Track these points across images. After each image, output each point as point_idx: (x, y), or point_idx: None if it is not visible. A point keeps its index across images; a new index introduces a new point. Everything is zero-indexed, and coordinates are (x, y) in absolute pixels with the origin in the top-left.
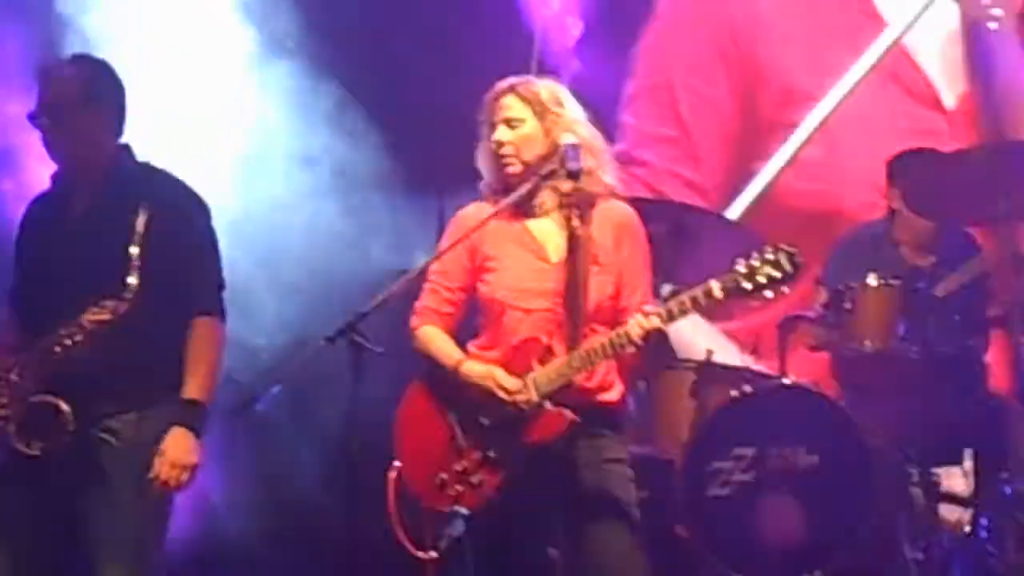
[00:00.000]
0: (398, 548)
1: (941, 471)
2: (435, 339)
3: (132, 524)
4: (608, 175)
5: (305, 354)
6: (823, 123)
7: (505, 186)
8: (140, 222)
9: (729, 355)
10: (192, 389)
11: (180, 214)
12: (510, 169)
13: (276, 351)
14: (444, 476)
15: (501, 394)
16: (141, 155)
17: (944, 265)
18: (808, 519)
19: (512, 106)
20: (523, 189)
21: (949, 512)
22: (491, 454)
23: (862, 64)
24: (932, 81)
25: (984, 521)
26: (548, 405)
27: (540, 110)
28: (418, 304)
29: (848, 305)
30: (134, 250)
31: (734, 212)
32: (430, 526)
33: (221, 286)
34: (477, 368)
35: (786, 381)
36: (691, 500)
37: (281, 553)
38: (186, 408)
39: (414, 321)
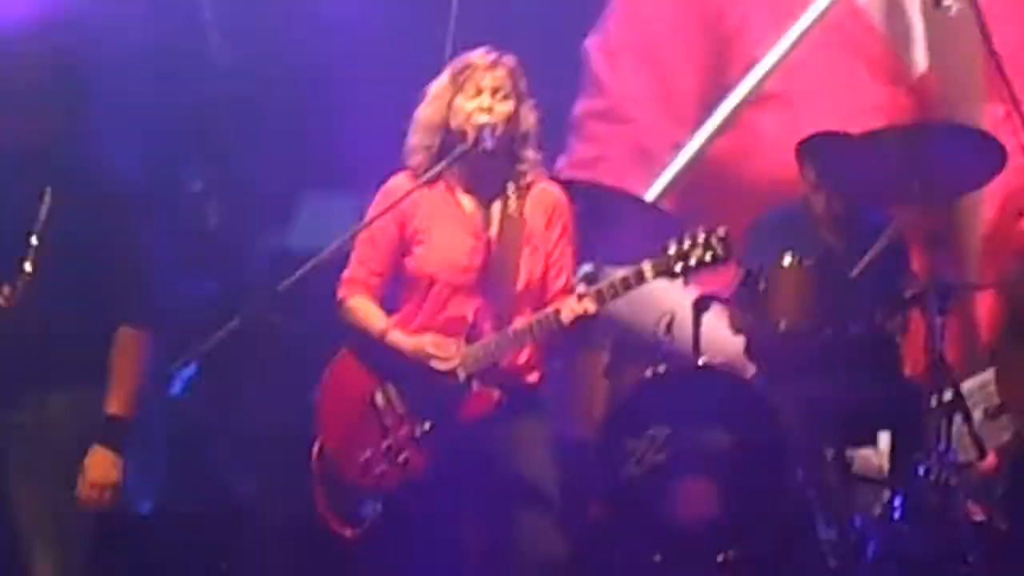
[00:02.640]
0: (321, 525)
1: (855, 451)
2: (364, 308)
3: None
4: (538, 157)
5: (222, 333)
6: (756, 87)
7: (442, 154)
8: (43, 210)
9: None
10: (115, 404)
11: (95, 206)
12: (487, 143)
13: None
14: (369, 453)
15: (436, 353)
16: None
17: (859, 245)
18: (722, 499)
19: (501, 79)
20: (442, 165)
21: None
22: (417, 433)
23: (804, 20)
24: (900, 56)
25: (898, 501)
26: (474, 384)
27: (520, 91)
28: (345, 275)
29: (763, 285)
30: (34, 239)
31: (664, 180)
32: (350, 502)
33: (144, 290)
34: (409, 338)
35: (700, 361)
36: (605, 480)
37: (199, 534)
38: (108, 424)
39: (342, 292)
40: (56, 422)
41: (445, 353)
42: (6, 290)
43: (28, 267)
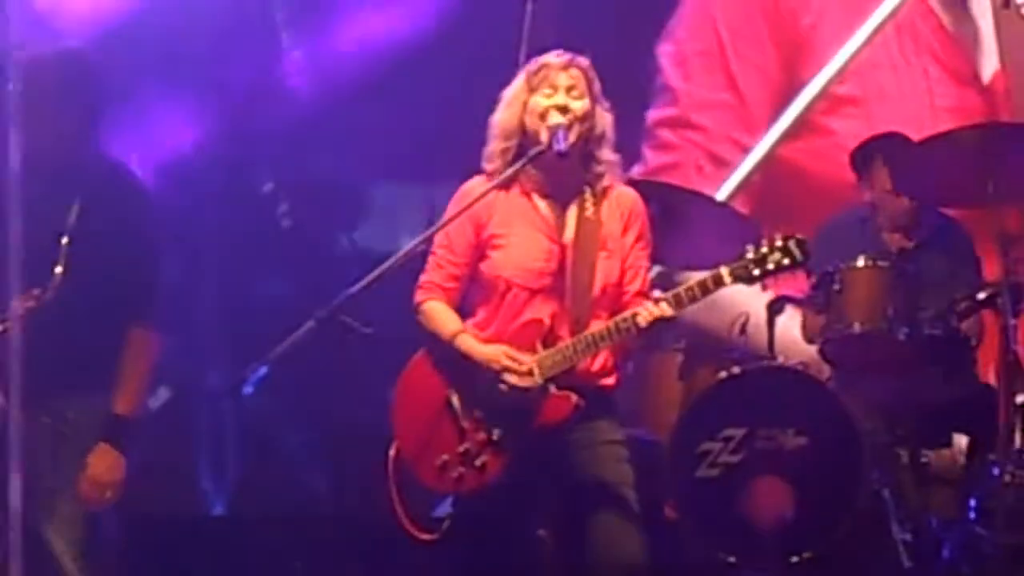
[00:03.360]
0: (395, 529)
1: (931, 453)
2: (439, 312)
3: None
4: (615, 159)
5: (295, 336)
6: (823, 91)
7: (516, 152)
8: (73, 212)
9: None
10: (120, 403)
11: (116, 210)
12: (560, 145)
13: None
14: (446, 457)
15: (512, 366)
16: None
17: (928, 247)
18: (796, 500)
19: (576, 78)
20: (516, 166)
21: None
22: (495, 436)
23: (875, 20)
24: (969, 58)
25: (973, 503)
26: (552, 388)
27: (595, 93)
28: (423, 278)
29: (837, 287)
30: (64, 240)
31: (734, 181)
32: (429, 507)
33: (156, 290)
34: (486, 348)
35: (775, 362)
36: (679, 481)
37: (272, 535)
38: (112, 423)
39: (419, 296)
40: (78, 427)
41: (520, 367)
42: (36, 291)
43: (59, 269)
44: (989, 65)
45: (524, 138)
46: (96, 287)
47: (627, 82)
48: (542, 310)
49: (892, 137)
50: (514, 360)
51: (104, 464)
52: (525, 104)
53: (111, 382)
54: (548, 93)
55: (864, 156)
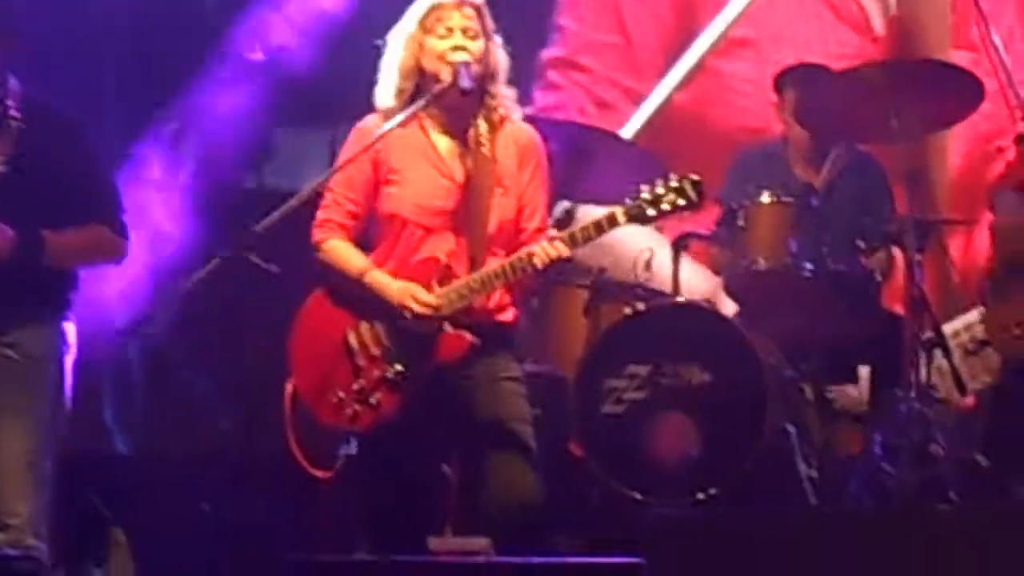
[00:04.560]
0: (294, 465)
1: (835, 388)
2: (342, 250)
3: (29, 435)
4: (509, 97)
5: (200, 273)
6: (723, 35)
7: (416, 96)
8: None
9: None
10: (51, 235)
11: (61, 133)
12: (465, 82)
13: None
14: (341, 394)
15: (419, 308)
16: None
17: (837, 181)
18: (702, 437)
19: (470, 17)
20: (418, 104)
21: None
22: (390, 374)
23: None
24: (864, 5)
25: (878, 438)
26: (448, 327)
27: (487, 30)
28: (320, 216)
29: (741, 223)
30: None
31: (635, 125)
32: (325, 443)
33: (119, 204)
34: (393, 283)
35: (679, 299)
36: (585, 418)
37: (178, 475)
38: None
39: (317, 234)
40: (32, 358)
41: (424, 301)
42: None
43: None
44: (888, 9)
45: (421, 78)
46: (44, 211)
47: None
48: (438, 247)
49: (810, 68)
50: (416, 299)
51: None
52: (421, 45)
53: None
54: (443, 34)
55: (777, 82)
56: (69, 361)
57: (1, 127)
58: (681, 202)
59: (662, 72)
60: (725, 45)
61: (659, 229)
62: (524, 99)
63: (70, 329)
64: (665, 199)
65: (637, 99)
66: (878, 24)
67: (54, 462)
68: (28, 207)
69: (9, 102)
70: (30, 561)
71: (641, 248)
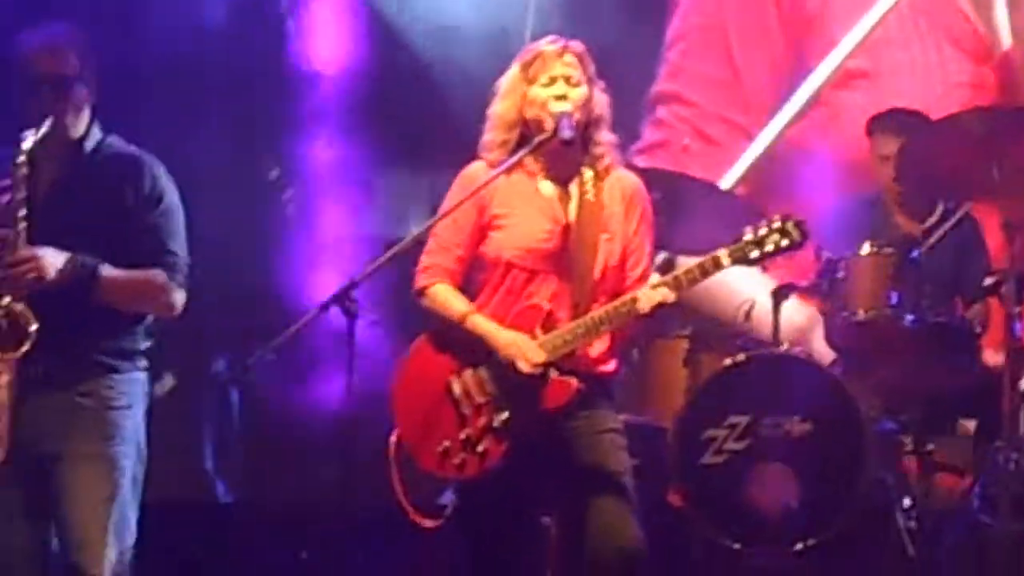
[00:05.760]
0: (399, 516)
1: (935, 440)
2: (445, 295)
3: (107, 482)
4: (612, 143)
5: (299, 322)
6: (838, 68)
7: (522, 144)
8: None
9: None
10: (107, 269)
11: (130, 170)
12: (567, 132)
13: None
14: (447, 443)
15: (523, 366)
16: None
17: (935, 231)
18: (801, 487)
19: (572, 65)
20: (521, 153)
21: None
22: (496, 423)
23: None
24: (983, 34)
25: (978, 490)
26: (554, 373)
27: (591, 76)
28: (424, 261)
29: (841, 274)
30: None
31: (745, 163)
32: (431, 493)
33: (181, 253)
34: (500, 331)
35: (779, 349)
36: (684, 468)
37: (276, 522)
38: (88, 262)
39: (422, 280)
40: (107, 406)
41: (534, 357)
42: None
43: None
44: (1003, 42)
45: (524, 128)
46: (101, 246)
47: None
48: (542, 292)
49: (911, 114)
50: (529, 348)
51: (54, 256)
52: (524, 95)
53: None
54: (546, 83)
55: (879, 125)
56: (142, 410)
57: (69, 158)
58: (785, 242)
59: (770, 108)
60: (840, 76)
61: (763, 270)
62: (633, 136)
63: (143, 378)
64: (769, 239)
65: (743, 135)
66: (999, 51)
67: (140, 510)
68: (82, 240)
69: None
70: None
71: (743, 299)
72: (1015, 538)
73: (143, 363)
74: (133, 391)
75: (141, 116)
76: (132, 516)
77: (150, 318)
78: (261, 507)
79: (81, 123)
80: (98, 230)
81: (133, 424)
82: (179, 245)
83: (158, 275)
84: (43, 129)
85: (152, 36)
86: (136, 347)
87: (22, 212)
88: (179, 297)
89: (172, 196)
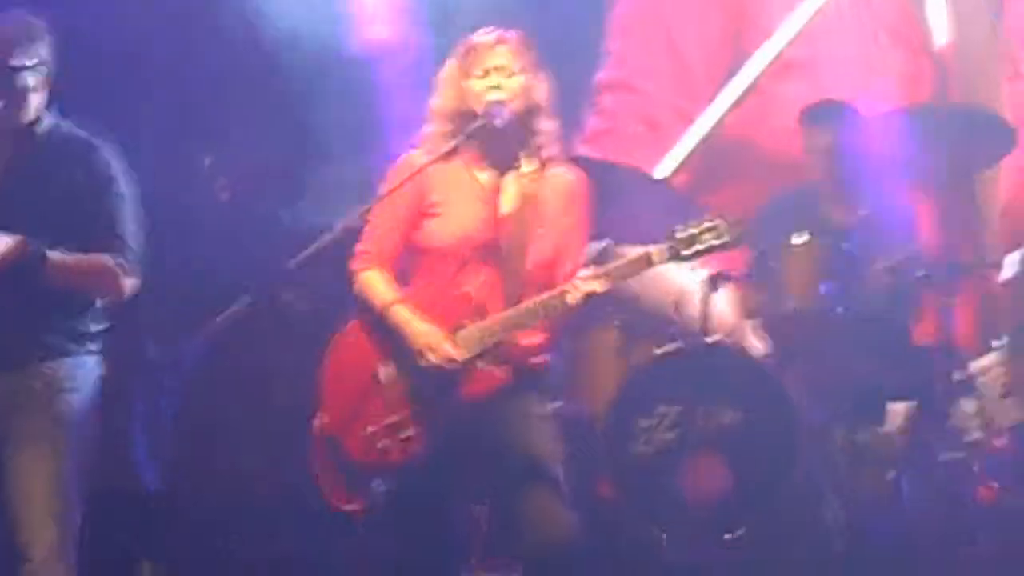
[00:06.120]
0: (324, 501)
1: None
2: (373, 281)
3: (52, 465)
4: (553, 132)
5: (231, 310)
6: (775, 57)
7: (458, 133)
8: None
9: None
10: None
11: (80, 154)
12: (497, 120)
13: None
14: (372, 429)
15: (437, 360)
16: None
17: (869, 222)
18: (732, 477)
19: (505, 56)
20: (456, 141)
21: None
22: (420, 410)
23: None
24: (921, 26)
25: (905, 481)
26: (480, 363)
27: (529, 65)
28: (359, 247)
29: (773, 264)
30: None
31: (682, 150)
32: (357, 479)
33: (130, 238)
34: (417, 323)
35: (711, 339)
36: (614, 458)
37: (204, 508)
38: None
39: (355, 264)
40: (56, 389)
41: (443, 351)
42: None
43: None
44: (940, 35)
45: (462, 120)
46: (49, 230)
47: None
48: (473, 282)
49: (842, 106)
50: (440, 341)
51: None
52: (459, 87)
53: (89, 347)
54: (480, 75)
55: (812, 117)
56: (93, 394)
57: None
58: (716, 242)
59: (708, 95)
60: (779, 67)
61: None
62: (575, 125)
63: (94, 362)
64: (701, 239)
65: (691, 121)
66: (938, 43)
67: (83, 496)
68: (32, 223)
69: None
70: None
71: (675, 288)
72: (942, 529)
73: (94, 347)
74: (83, 374)
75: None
76: (76, 500)
77: (102, 302)
78: (191, 495)
79: (31, 109)
80: (48, 214)
81: (81, 408)
82: (130, 231)
83: (107, 260)
84: None
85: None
86: (87, 330)
87: None
88: (129, 282)
89: (125, 182)
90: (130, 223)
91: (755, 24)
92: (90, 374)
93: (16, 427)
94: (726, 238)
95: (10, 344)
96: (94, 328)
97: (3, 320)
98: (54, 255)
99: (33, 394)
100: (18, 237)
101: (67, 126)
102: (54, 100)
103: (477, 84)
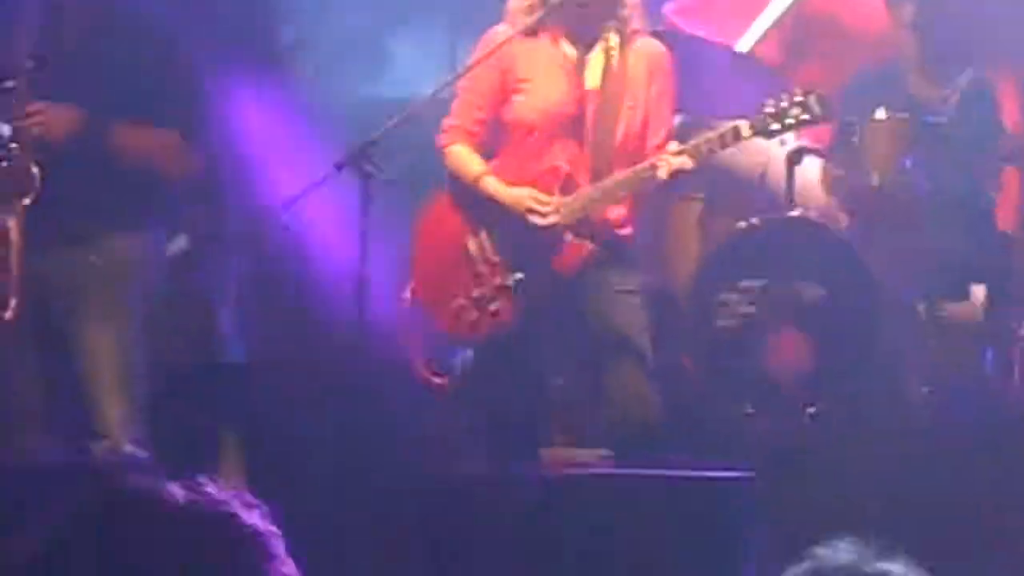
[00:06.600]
0: (409, 372)
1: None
2: (462, 155)
3: (118, 342)
4: (639, 6)
5: (314, 183)
6: None
7: (542, 7)
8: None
9: None
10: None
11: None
12: None
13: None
14: (461, 301)
15: (537, 207)
16: None
17: (956, 99)
18: (814, 352)
19: None
20: (541, 13)
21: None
22: (510, 282)
23: None
24: None
25: (990, 355)
26: (569, 235)
27: None
28: (447, 122)
29: (855, 139)
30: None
31: (751, 37)
32: (443, 351)
33: (197, 116)
34: (511, 189)
35: (793, 213)
36: (697, 331)
37: (291, 379)
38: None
39: (443, 139)
40: (117, 263)
41: (545, 208)
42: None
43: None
44: None
45: None
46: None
47: None
48: (561, 156)
49: None
50: (538, 202)
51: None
52: None
53: (154, 223)
54: None
55: None
56: (159, 268)
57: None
58: (805, 117)
59: None
60: None
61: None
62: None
63: (156, 237)
64: (790, 113)
65: None
66: None
67: (159, 370)
68: (99, 97)
69: None
70: (131, 466)
71: (758, 160)
72: None
73: (157, 222)
74: (146, 249)
75: None
76: (140, 373)
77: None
78: (278, 368)
79: None
80: (116, 89)
81: (144, 283)
82: (196, 110)
83: (173, 135)
84: None
85: None
86: (150, 205)
87: (30, 64)
88: (194, 159)
89: (191, 61)
90: (195, 100)
91: None
92: (153, 249)
93: (81, 303)
94: (815, 113)
95: (74, 219)
96: (157, 204)
97: (67, 194)
98: (120, 127)
99: (96, 270)
100: (82, 109)
101: (139, 6)
102: None
103: None
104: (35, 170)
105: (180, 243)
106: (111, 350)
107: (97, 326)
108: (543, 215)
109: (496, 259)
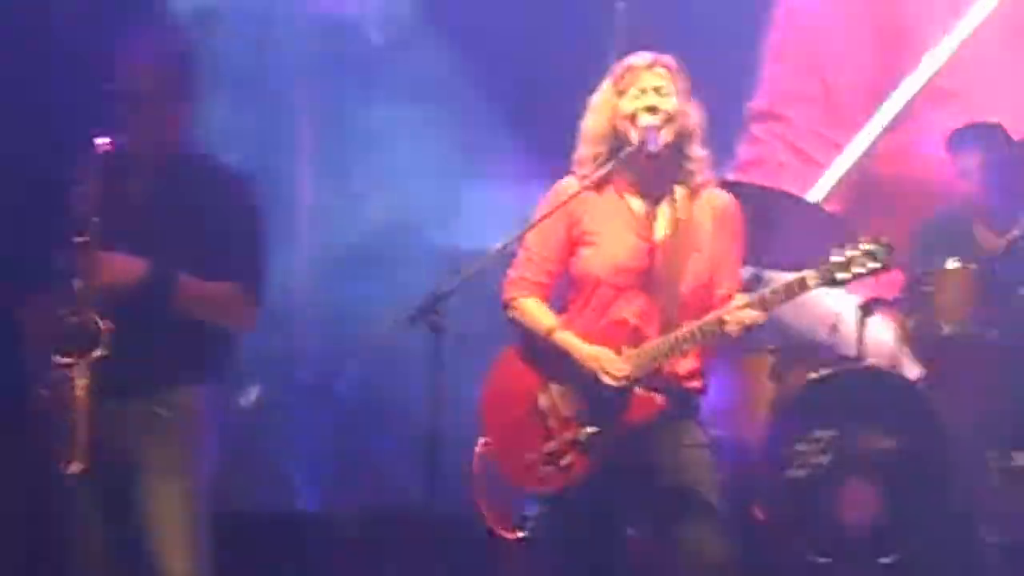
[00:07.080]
0: (482, 528)
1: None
2: (532, 308)
3: (185, 494)
4: (704, 159)
5: (386, 331)
6: (913, 98)
7: (610, 157)
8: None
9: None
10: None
11: (218, 185)
12: (651, 145)
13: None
14: (532, 456)
15: (606, 379)
16: None
17: (1020, 246)
18: (886, 502)
19: (662, 76)
20: (608, 167)
21: None
22: (581, 436)
23: (976, 13)
24: None
25: None
26: (638, 389)
27: (683, 90)
28: (513, 274)
29: (927, 288)
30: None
31: (831, 178)
32: (516, 505)
33: (260, 272)
34: (584, 345)
35: (865, 363)
36: (769, 482)
37: (362, 532)
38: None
39: (510, 292)
40: (183, 416)
41: (617, 371)
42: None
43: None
44: None
45: (615, 142)
46: (182, 257)
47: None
48: (629, 309)
49: (990, 127)
50: (611, 363)
51: (131, 263)
52: (614, 108)
53: (217, 376)
54: (636, 95)
55: (960, 140)
56: (219, 421)
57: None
58: (872, 265)
59: (862, 123)
60: (931, 94)
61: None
62: (727, 152)
63: (222, 389)
64: (856, 262)
65: (837, 150)
66: None
67: (221, 520)
68: (166, 249)
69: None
70: None
71: (829, 313)
72: None
73: (223, 374)
74: (211, 402)
75: None
76: (205, 525)
77: (232, 329)
78: (346, 518)
79: (170, 133)
80: (182, 240)
81: (210, 435)
82: (260, 262)
83: (236, 288)
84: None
85: None
86: (215, 357)
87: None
88: (254, 313)
89: (257, 213)
90: (260, 253)
91: (909, 49)
92: (218, 401)
93: (145, 455)
94: (882, 262)
95: (139, 370)
96: (223, 356)
97: (132, 345)
98: (185, 280)
99: (160, 421)
100: (149, 261)
101: (209, 153)
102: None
103: (631, 104)
104: (103, 324)
105: (252, 394)
106: (175, 503)
107: (161, 478)
108: (616, 378)
109: (568, 413)
